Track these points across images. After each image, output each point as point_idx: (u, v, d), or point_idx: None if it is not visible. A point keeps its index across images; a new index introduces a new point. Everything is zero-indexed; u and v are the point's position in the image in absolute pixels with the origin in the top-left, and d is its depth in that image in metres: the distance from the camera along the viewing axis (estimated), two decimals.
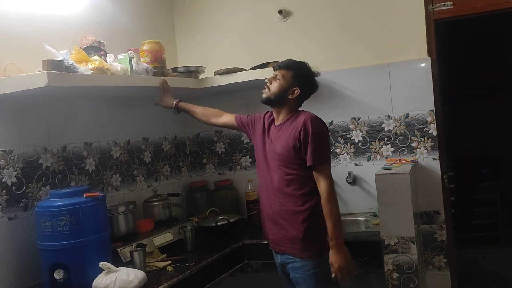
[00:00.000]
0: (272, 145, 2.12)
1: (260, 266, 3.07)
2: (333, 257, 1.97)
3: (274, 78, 2.12)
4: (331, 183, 2.01)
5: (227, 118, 2.44)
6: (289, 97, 2.10)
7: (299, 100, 2.15)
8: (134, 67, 2.30)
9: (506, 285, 3.62)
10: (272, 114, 2.21)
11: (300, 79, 2.11)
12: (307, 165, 2.01)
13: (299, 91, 2.10)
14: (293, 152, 2.03)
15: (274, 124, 2.18)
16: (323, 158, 2.03)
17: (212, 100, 3.17)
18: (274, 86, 2.11)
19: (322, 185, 2.00)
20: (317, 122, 2.07)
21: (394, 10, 2.80)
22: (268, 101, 2.14)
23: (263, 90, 2.14)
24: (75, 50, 2.05)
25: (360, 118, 2.88)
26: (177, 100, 2.50)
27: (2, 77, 1.94)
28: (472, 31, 4.34)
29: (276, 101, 2.12)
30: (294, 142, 2.03)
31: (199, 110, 2.50)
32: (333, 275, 1.98)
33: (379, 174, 2.31)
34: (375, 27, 2.84)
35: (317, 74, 2.19)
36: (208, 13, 3.20)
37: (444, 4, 2.75)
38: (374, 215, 2.76)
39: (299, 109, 2.18)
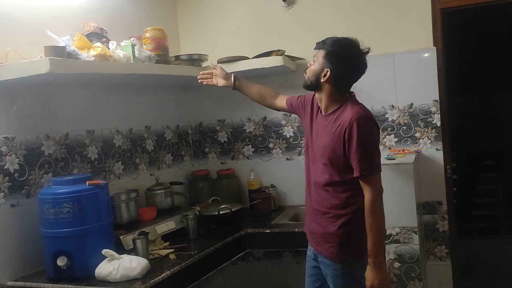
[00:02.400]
0: (318, 137, 1.92)
1: (262, 255, 3.09)
2: (370, 274, 1.80)
3: (314, 59, 1.89)
4: (378, 194, 1.80)
5: (282, 101, 2.22)
6: (321, 80, 1.84)
7: (337, 84, 1.85)
8: (136, 54, 2.28)
9: (506, 276, 3.63)
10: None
11: (333, 57, 1.82)
12: (354, 175, 1.80)
13: (329, 72, 1.81)
14: (337, 152, 1.82)
15: (321, 112, 1.94)
16: (371, 167, 1.79)
17: (215, 88, 3.11)
18: (310, 69, 1.88)
19: (367, 196, 1.79)
20: (365, 123, 1.80)
21: (399, 0, 2.77)
22: (306, 87, 1.92)
23: (304, 74, 1.92)
24: (77, 36, 2.03)
25: None
26: (234, 75, 2.29)
27: (4, 63, 1.93)
28: (480, 21, 4.30)
29: (312, 87, 1.90)
30: (338, 142, 1.81)
31: (256, 89, 2.29)
32: None
33: (383, 164, 2.29)
34: (380, 16, 2.81)
35: (365, 51, 1.87)
36: (211, 0, 3.16)
37: None
38: None
39: (351, 100, 1.90)
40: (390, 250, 2.29)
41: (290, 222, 2.66)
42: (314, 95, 1.99)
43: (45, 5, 2.20)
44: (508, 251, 3.99)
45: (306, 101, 2.05)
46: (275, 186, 3.02)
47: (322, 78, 1.84)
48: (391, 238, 2.29)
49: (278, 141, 3.07)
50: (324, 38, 1.89)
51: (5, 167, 1.97)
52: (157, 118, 2.91)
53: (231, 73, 2.32)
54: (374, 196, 1.78)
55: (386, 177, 2.29)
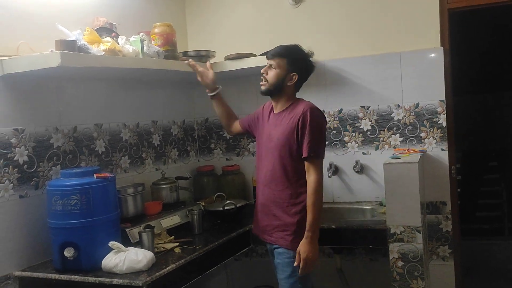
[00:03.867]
0: (271, 135, 2.14)
1: (265, 251, 3.10)
2: (305, 247, 2.00)
3: (270, 68, 2.11)
4: (320, 177, 2.04)
5: (236, 126, 2.47)
6: (288, 84, 2.11)
7: (298, 85, 2.16)
8: (145, 50, 2.30)
9: (509, 277, 3.64)
10: (271, 103, 2.23)
11: (296, 63, 2.11)
12: (303, 156, 2.03)
13: (297, 76, 2.11)
14: (290, 141, 2.05)
15: (273, 112, 2.19)
16: (319, 152, 2.05)
17: (222, 85, 3.15)
18: (271, 76, 2.10)
19: (311, 178, 2.02)
20: (316, 113, 2.07)
21: None
22: (267, 93, 2.15)
23: (261, 83, 2.14)
24: (87, 31, 2.05)
25: (369, 106, 2.87)
26: (220, 88, 2.46)
27: (15, 56, 1.95)
28: (488, 21, 4.28)
29: (276, 91, 2.12)
30: (292, 130, 2.05)
31: (227, 109, 2.50)
32: (295, 263, 2.02)
33: (388, 163, 2.31)
34: (388, 15, 2.81)
35: (311, 54, 2.17)
36: None
37: None
38: (381, 204, 2.77)
39: (298, 97, 2.19)
40: (394, 249, 2.30)
41: None
42: (264, 105, 2.28)
43: None
44: (511, 252, 3.99)
45: (257, 114, 2.31)
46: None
47: (289, 82, 2.10)
48: (394, 236, 2.30)
49: None
50: (275, 48, 2.13)
51: (14, 159, 2.00)
52: (164, 113, 2.93)
53: (218, 86, 2.45)
54: (317, 178, 2.02)
55: (391, 176, 2.32)
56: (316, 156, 2.04)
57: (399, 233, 2.30)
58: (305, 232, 2.01)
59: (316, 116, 2.06)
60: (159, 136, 2.88)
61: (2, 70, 1.93)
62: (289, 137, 2.06)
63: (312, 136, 2.02)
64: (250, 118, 2.37)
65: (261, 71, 2.14)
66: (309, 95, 2.85)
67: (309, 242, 2.00)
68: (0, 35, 1.97)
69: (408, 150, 2.72)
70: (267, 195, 2.15)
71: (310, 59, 2.17)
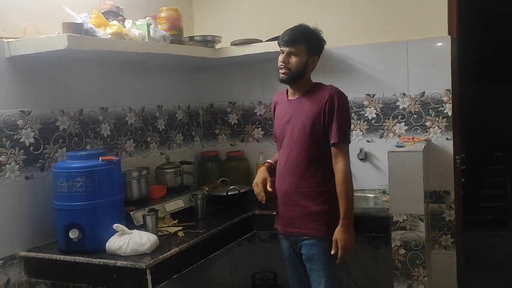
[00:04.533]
0: (292, 120, 2.07)
1: (267, 237, 3.14)
2: (342, 235, 1.97)
3: (289, 55, 2.03)
4: (349, 163, 2.00)
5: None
6: (310, 68, 2.07)
7: (314, 67, 2.12)
8: (151, 34, 2.29)
9: (511, 267, 3.65)
10: (282, 92, 2.18)
11: (314, 46, 2.06)
12: (331, 142, 1.98)
13: (317, 59, 2.08)
14: (316, 126, 1.99)
15: (289, 99, 2.13)
16: (346, 137, 2.01)
17: (228, 70, 3.17)
18: (294, 64, 2.02)
19: (340, 164, 1.98)
20: (343, 97, 2.04)
21: None
22: (290, 81, 2.07)
23: (282, 71, 2.05)
24: (94, 14, 2.05)
25: (375, 95, 2.86)
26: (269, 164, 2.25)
27: (22, 38, 1.95)
28: (497, 11, 4.22)
29: (298, 78, 2.06)
30: (318, 115, 1.99)
31: None
32: (333, 252, 1.99)
33: (392, 151, 2.31)
34: (395, 3, 2.78)
35: (320, 31, 2.12)
36: None
37: None
38: (384, 192, 2.77)
39: (317, 81, 2.14)
40: (396, 237, 2.31)
41: None
42: (274, 99, 2.23)
43: None
44: None
45: (272, 109, 2.26)
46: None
47: (311, 66, 2.06)
48: (397, 225, 2.31)
49: None
50: (288, 33, 2.04)
51: (20, 140, 2.01)
52: (169, 98, 2.94)
53: (268, 165, 2.24)
54: (347, 164, 1.99)
55: (395, 164, 2.32)
56: (345, 141, 2.00)
57: (401, 221, 2.30)
58: (341, 220, 1.98)
59: (344, 99, 2.02)
60: (164, 121, 2.88)
61: (9, 52, 1.93)
62: (315, 122, 2.00)
63: (341, 121, 1.98)
64: (275, 130, 2.21)
65: (280, 60, 2.05)
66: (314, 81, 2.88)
67: (346, 230, 1.98)
68: (8, 17, 1.97)
69: (412, 138, 2.72)
70: (291, 185, 2.07)
71: (322, 36, 2.12)
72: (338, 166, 1.98)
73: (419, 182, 2.27)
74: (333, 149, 1.99)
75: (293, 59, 2.02)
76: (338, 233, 1.99)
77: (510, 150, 4.52)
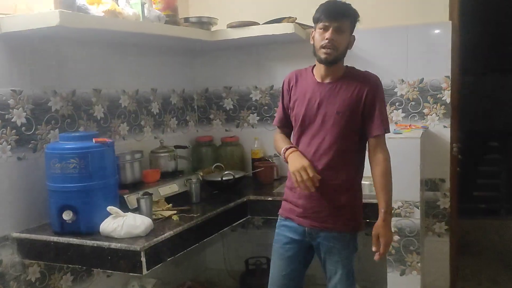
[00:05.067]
0: (325, 107, 1.86)
1: (261, 223, 3.13)
2: (385, 231, 1.85)
3: (337, 32, 1.79)
4: (389, 155, 1.89)
5: (285, 133, 2.07)
6: (349, 49, 1.89)
7: None
8: (146, 13, 2.24)
9: (502, 256, 3.68)
10: (303, 71, 1.98)
11: (354, 24, 1.88)
12: (375, 134, 1.84)
13: (354, 38, 1.90)
14: (355, 115, 1.84)
15: (318, 81, 1.90)
16: (388, 127, 1.89)
17: (223, 54, 3.12)
18: (341, 42, 1.81)
19: (381, 156, 1.85)
20: (382, 86, 1.91)
21: None
22: (334, 61, 1.84)
23: (325, 50, 1.80)
24: None
25: None
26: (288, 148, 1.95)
27: (12, 14, 1.90)
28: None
29: (341, 58, 1.87)
30: (357, 103, 1.83)
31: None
32: (375, 249, 1.85)
33: (389, 138, 2.28)
34: None
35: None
36: None
37: None
38: None
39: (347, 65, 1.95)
40: (391, 223, 2.31)
41: None
42: (289, 77, 2.00)
43: None
44: (505, 232, 4.03)
45: (285, 92, 2.01)
46: (278, 156, 3.02)
47: (350, 44, 1.88)
48: (392, 211, 2.30)
49: None
50: (333, 5, 1.85)
51: (12, 120, 1.97)
52: (163, 81, 2.89)
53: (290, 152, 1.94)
54: (388, 155, 1.88)
55: (392, 151, 2.27)
56: (388, 132, 1.89)
57: (397, 208, 2.30)
58: (382, 214, 1.85)
59: (382, 90, 1.90)
60: (158, 105, 2.84)
61: (0, 28, 1.87)
62: (353, 111, 1.84)
63: (384, 111, 1.87)
64: (281, 112, 2.05)
65: (328, 36, 1.78)
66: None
67: (387, 225, 1.87)
68: None
69: (410, 126, 2.70)
70: (322, 177, 1.85)
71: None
72: (380, 157, 1.85)
73: (416, 169, 2.26)
74: (373, 140, 1.86)
75: (341, 37, 1.81)
76: (380, 228, 1.85)
77: (506, 140, 4.53)
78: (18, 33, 1.87)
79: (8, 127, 1.95)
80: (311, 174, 1.80)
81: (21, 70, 2.01)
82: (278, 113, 2.09)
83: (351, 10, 1.86)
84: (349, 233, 1.94)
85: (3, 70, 1.94)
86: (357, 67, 2.79)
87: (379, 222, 1.86)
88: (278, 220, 2.06)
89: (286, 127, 2.06)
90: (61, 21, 1.73)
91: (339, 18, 1.80)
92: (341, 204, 1.90)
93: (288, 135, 2.06)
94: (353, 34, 1.89)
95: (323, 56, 1.82)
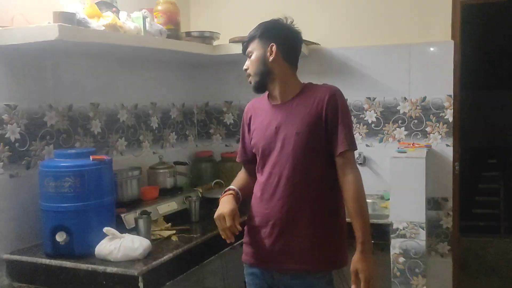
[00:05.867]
0: (283, 129, 1.67)
1: None
2: (364, 265, 1.58)
3: (250, 57, 1.72)
4: (359, 173, 1.65)
5: (248, 168, 1.87)
6: (270, 60, 1.66)
7: (286, 55, 1.69)
8: (147, 27, 2.18)
9: (502, 275, 3.63)
10: (260, 99, 1.81)
11: (267, 34, 1.68)
12: (339, 151, 1.61)
13: (275, 46, 1.66)
14: (317, 133, 1.63)
15: (273, 104, 1.74)
16: (354, 143, 1.67)
17: (224, 68, 3.07)
18: (250, 65, 1.70)
19: (351, 176, 1.61)
20: (343, 98, 1.69)
21: None
22: (259, 85, 1.71)
23: (248, 80, 1.73)
24: (87, 4, 1.93)
25: (375, 98, 2.79)
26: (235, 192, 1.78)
27: (9, 27, 1.83)
28: (502, 16, 4.20)
29: (265, 77, 1.68)
30: (318, 119, 1.63)
31: (248, 188, 1.83)
32: (354, 287, 1.59)
33: (395, 157, 2.24)
34: (399, 5, 2.73)
35: (287, 19, 1.76)
36: None
37: None
38: (382, 197, 2.71)
39: (310, 82, 1.76)
40: (396, 245, 2.25)
41: None
42: (247, 107, 1.83)
43: None
44: (506, 250, 3.99)
45: (244, 124, 1.84)
46: None
47: (270, 57, 1.66)
48: (397, 232, 2.25)
49: None
50: (244, 38, 1.75)
51: (5, 136, 1.89)
52: (163, 95, 2.83)
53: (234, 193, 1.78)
54: (358, 176, 1.63)
55: (397, 171, 2.25)
56: (352, 149, 1.65)
57: (402, 228, 2.25)
58: (359, 245, 1.59)
59: (344, 101, 1.68)
60: (157, 119, 2.77)
61: None
62: (314, 129, 1.63)
63: (348, 125, 1.65)
64: (241, 146, 1.87)
65: (244, 68, 1.73)
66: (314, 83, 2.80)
67: (366, 257, 1.59)
68: None
69: (413, 144, 2.66)
70: (287, 210, 1.65)
71: (287, 23, 1.75)
72: (349, 179, 1.61)
73: (421, 189, 2.22)
74: (339, 160, 1.63)
75: (251, 60, 1.70)
76: (358, 263, 1.59)
77: (505, 157, 4.51)
78: (14, 46, 1.81)
79: (1, 143, 1.88)
80: (228, 224, 1.62)
81: (16, 84, 1.94)
82: (239, 148, 1.90)
83: (259, 28, 1.71)
84: (326, 275, 1.68)
85: None
86: (359, 84, 2.82)
87: (356, 255, 1.60)
88: (244, 267, 1.81)
89: (249, 162, 1.84)
90: (60, 35, 1.67)
91: (247, 46, 1.72)
92: (318, 240, 1.65)
93: (252, 172, 1.82)
94: (272, 43, 1.67)
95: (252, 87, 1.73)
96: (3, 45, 1.81)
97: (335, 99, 1.64)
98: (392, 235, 2.26)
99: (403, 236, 2.24)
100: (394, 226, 2.25)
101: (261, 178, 1.73)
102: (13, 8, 1.90)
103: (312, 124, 1.64)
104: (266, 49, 1.67)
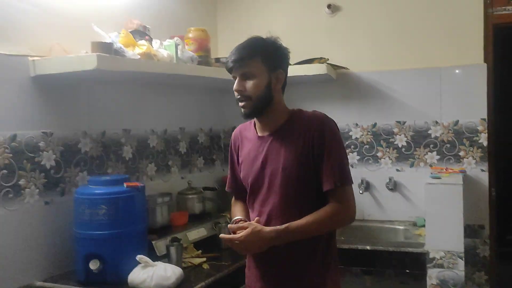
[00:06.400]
0: (271, 163, 1.53)
1: None
2: (261, 239, 1.45)
3: (244, 79, 1.51)
4: (352, 213, 1.50)
5: (240, 197, 1.72)
6: (276, 88, 1.53)
7: (284, 85, 1.58)
8: (179, 55, 2.22)
9: None
10: (247, 125, 1.67)
11: (275, 57, 1.53)
12: (325, 189, 1.47)
13: (283, 72, 1.54)
14: (304, 169, 1.48)
15: (259, 135, 1.59)
16: (347, 177, 1.49)
17: None
18: (252, 88, 1.50)
19: (334, 206, 1.47)
20: (334, 126, 1.52)
21: (450, 11, 2.66)
22: (255, 112, 1.53)
23: (241, 104, 1.54)
24: (123, 33, 1.98)
25: (405, 122, 2.75)
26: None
27: (48, 57, 1.88)
28: None
29: (265, 105, 1.52)
30: (305, 153, 1.48)
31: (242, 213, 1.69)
32: (221, 234, 1.56)
33: (430, 183, 2.19)
34: (429, 28, 2.70)
35: (277, 37, 1.59)
36: (252, 2, 3.09)
37: (505, 8, 2.60)
38: (415, 224, 2.64)
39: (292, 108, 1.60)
40: (433, 275, 2.17)
41: None
42: (233, 136, 1.71)
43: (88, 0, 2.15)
44: None
45: (232, 155, 1.71)
46: None
47: (276, 84, 1.52)
48: (434, 261, 2.17)
49: None
50: (237, 52, 1.53)
51: (41, 163, 1.91)
52: (191, 119, 2.84)
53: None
54: (343, 211, 1.47)
55: (432, 197, 2.19)
56: (347, 183, 1.49)
57: (439, 258, 2.17)
58: (283, 228, 1.45)
59: (336, 128, 1.53)
60: (186, 144, 2.78)
61: (34, 70, 1.85)
62: (304, 162, 1.48)
63: (337, 158, 1.47)
64: (230, 176, 1.74)
65: (234, 89, 1.54)
66: (340, 107, 2.79)
67: (270, 239, 1.45)
68: (33, 34, 1.90)
69: (446, 169, 2.59)
70: (278, 252, 1.51)
71: (282, 44, 1.58)
72: (331, 207, 1.48)
73: (459, 217, 2.15)
74: (328, 197, 1.48)
75: (250, 83, 1.50)
76: (266, 229, 1.45)
77: None
78: (52, 75, 1.84)
79: (37, 170, 1.90)
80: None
81: (53, 112, 1.97)
82: (228, 178, 1.76)
83: (260, 45, 1.52)
84: None
85: (34, 112, 1.90)
86: (389, 108, 2.79)
87: (273, 230, 1.45)
88: None
89: (240, 191, 1.70)
90: (99, 65, 1.70)
91: (243, 62, 1.49)
92: (310, 285, 1.52)
93: (245, 200, 1.67)
94: (278, 70, 1.53)
95: (241, 111, 1.54)
96: (41, 75, 1.85)
97: (322, 129, 1.48)
98: (428, 265, 2.18)
99: (441, 266, 2.17)
100: (431, 256, 2.18)
101: (252, 214, 1.61)
102: (51, 38, 1.95)
103: (298, 158, 1.49)
104: (271, 75, 1.51)
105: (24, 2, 1.85)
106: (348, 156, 2.71)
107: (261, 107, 1.52)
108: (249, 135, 1.64)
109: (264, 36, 1.57)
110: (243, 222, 1.55)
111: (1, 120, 1.76)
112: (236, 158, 1.69)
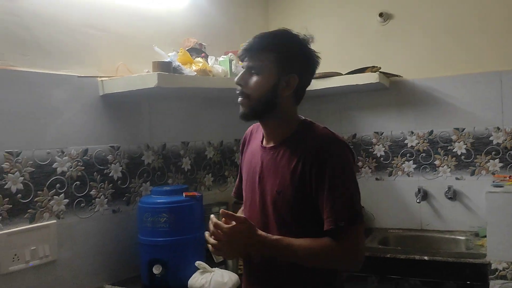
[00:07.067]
0: (266, 181, 1.32)
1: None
2: (255, 232, 1.24)
3: (248, 73, 1.31)
4: (359, 255, 1.24)
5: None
6: (284, 95, 1.30)
7: (296, 96, 1.33)
8: (233, 69, 2.32)
9: None
10: (257, 127, 1.48)
11: (292, 58, 1.29)
12: (325, 228, 1.22)
13: (297, 79, 1.29)
14: (301, 196, 1.25)
15: (262, 145, 1.39)
16: (351, 219, 1.22)
17: (305, 104, 3.11)
18: (253, 86, 1.29)
19: (342, 247, 1.22)
20: (342, 149, 1.26)
21: (509, 13, 2.56)
22: (253, 115, 1.33)
23: (239, 100, 1.35)
24: (181, 52, 2.11)
25: (464, 129, 2.67)
26: None
27: (114, 77, 2.05)
28: None
29: (265, 109, 1.30)
30: (301, 180, 1.24)
31: None
32: (208, 235, 1.33)
33: (491, 192, 2.11)
34: (487, 32, 2.62)
35: (309, 39, 1.34)
36: (304, 15, 3.15)
37: None
38: (477, 234, 2.54)
39: (304, 118, 1.37)
40: (495, 287, 2.08)
41: (380, 246, 2.53)
42: (249, 131, 1.52)
43: (150, 20, 2.31)
44: None
45: (241, 146, 1.56)
46: (363, 207, 2.89)
47: (285, 90, 1.28)
48: (496, 273, 2.09)
49: (367, 160, 2.94)
50: (252, 40, 1.30)
51: (110, 175, 2.08)
52: (244, 131, 2.92)
53: None
54: (353, 254, 1.22)
55: (495, 206, 2.12)
56: (356, 221, 1.22)
57: (502, 269, 2.08)
58: (273, 237, 1.25)
59: (345, 154, 1.25)
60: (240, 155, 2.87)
61: (103, 90, 2.03)
62: (299, 190, 1.25)
63: (341, 193, 1.21)
64: (238, 180, 1.60)
65: (236, 80, 1.33)
66: (395, 115, 2.76)
67: (260, 246, 1.24)
68: (101, 57, 2.08)
69: (510, 177, 2.48)
70: (267, 265, 1.34)
71: (309, 46, 1.33)
72: (335, 245, 1.23)
73: None
74: (333, 238, 1.23)
75: (253, 79, 1.29)
76: (252, 236, 1.23)
77: None
78: (118, 93, 2.01)
79: (106, 181, 2.07)
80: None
81: (119, 127, 2.14)
82: (236, 182, 1.60)
83: (279, 39, 1.30)
84: None
85: (103, 128, 2.07)
86: (446, 115, 2.72)
87: (262, 232, 1.25)
88: None
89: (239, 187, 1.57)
90: (159, 82, 1.83)
91: (254, 54, 1.28)
92: None
93: None
94: (292, 74, 1.29)
95: (239, 110, 1.33)
96: (109, 93, 2.02)
97: (325, 157, 1.22)
98: (490, 276, 2.10)
99: (504, 277, 2.08)
100: (493, 267, 2.09)
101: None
102: (117, 59, 2.12)
103: (294, 185, 1.26)
104: (282, 77, 1.28)
105: (93, 29, 2.04)
106: (404, 165, 2.75)
107: (260, 110, 1.31)
108: (256, 139, 1.45)
109: (294, 32, 1.33)
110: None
111: (74, 136, 1.94)
112: (241, 158, 1.53)
